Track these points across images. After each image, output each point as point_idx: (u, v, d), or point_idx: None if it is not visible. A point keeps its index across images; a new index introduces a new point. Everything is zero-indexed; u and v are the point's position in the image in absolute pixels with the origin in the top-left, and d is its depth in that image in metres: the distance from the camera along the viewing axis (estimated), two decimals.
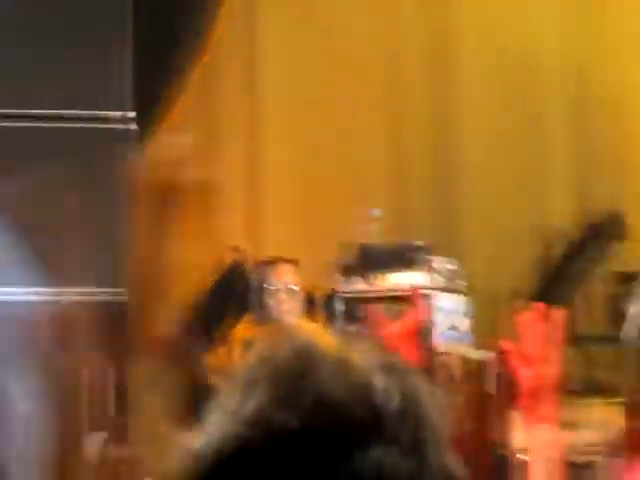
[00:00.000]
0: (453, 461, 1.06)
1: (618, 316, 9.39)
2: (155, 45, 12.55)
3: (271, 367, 1.17)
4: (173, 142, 11.57)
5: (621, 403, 8.49)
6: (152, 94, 12.21)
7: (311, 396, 1.14)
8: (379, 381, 1.14)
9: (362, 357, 1.18)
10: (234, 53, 13.01)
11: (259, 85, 12.94)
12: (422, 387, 1.17)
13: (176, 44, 12.65)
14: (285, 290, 9.01)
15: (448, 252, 10.75)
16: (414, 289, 9.38)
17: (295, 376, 1.17)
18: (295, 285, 9.03)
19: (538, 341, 9.32)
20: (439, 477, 1.14)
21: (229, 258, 10.46)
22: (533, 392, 9.51)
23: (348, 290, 9.97)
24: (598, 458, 8.83)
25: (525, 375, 10.07)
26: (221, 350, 9.46)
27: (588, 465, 8.56)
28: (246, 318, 9.34)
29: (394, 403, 1.13)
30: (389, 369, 1.15)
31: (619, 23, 12.82)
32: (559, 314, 9.47)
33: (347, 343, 1.19)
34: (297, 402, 1.14)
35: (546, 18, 12.78)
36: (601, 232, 10.70)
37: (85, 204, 10.48)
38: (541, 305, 9.41)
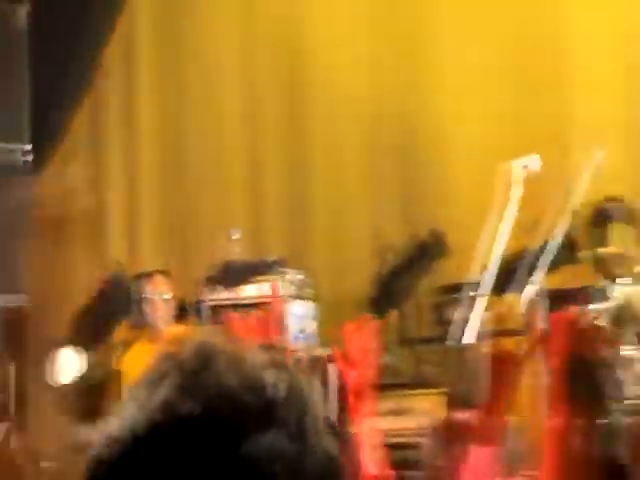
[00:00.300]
0: (331, 443, 1.24)
1: (443, 321, 10.33)
2: (49, 79, 13.34)
3: (176, 363, 1.33)
4: (64, 173, 12.43)
5: (443, 394, 10.01)
6: (46, 126, 12.79)
7: (211, 387, 1.32)
8: (269, 375, 1.31)
9: (254, 355, 1.35)
10: (116, 87, 13.82)
11: (135, 117, 13.94)
12: (303, 381, 1.37)
13: (68, 78, 13.27)
14: (159, 299, 9.73)
15: (299, 264, 11.54)
16: (272, 297, 10.68)
17: (197, 370, 1.33)
18: (168, 294, 9.80)
19: (359, 347, 10.61)
20: (320, 457, 1.33)
21: (111, 271, 11.15)
22: (357, 390, 10.92)
23: (213, 299, 10.78)
24: (423, 440, 9.93)
25: (350, 376, 11.55)
26: (105, 350, 10.33)
27: (414, 446, 9.69)
28: (125, 323, 10.30)
29: (282, 394, 1.32)
30: (277, 365, 1.32)
31: (438, 62, 13.66)
32: (376, 324, 10.89)
33: (240, 343, 1.36)
34: (199, 392, 1.31)
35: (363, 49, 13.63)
36: (425, 250, 11.50)
37: None
38: (365, 316, 10.68)
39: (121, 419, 1.29)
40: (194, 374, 1.31)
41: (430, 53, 14.22)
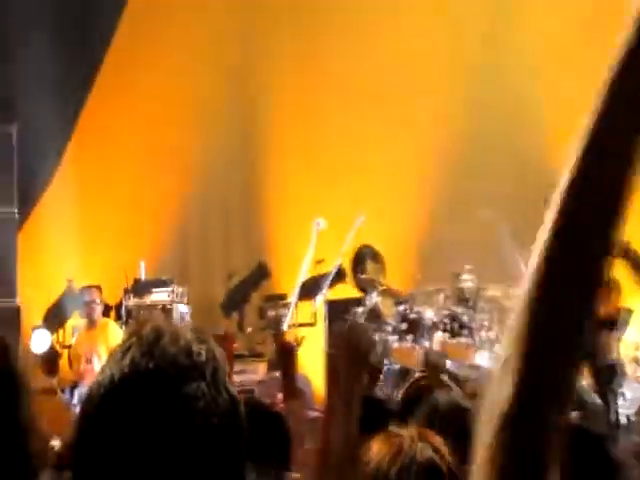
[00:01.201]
0: (232, 388, 1.80)
1: (267, 317, 13.42)
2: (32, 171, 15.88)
3: (139, 336, 1.88)
4: None
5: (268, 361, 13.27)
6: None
7: (160, 352, 1.84)
8: (196, 345, 1.85)
9: (186, 332, 1.91)
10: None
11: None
12: (216, 350, 1.90)
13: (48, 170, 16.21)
14: (93, 303, 13.29)
15: (184, 281, 14.53)
16: (169, 302, 13.97)
17: (152, 341, 1.86)
18: (98, 300, 13.40)
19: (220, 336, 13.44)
20: (226, 397, 1.88)
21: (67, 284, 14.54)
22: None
23: (131, 303, 13.98)
24: (256, 388, 12.62)
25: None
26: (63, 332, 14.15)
27: (251, 392, 12.02)
28: (75, 316, 14.29)
29: (204, 357, 1.86)
30: (200, 339, 1.84)
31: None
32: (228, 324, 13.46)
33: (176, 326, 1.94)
34: (153, 355, 1.83)
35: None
36: (257, 273, 15.34)
37: None
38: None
39: (104, 371, 1.87)
40: (150, 344, 1.87)
41: None
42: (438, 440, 3.15)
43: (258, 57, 16.94)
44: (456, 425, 4.60)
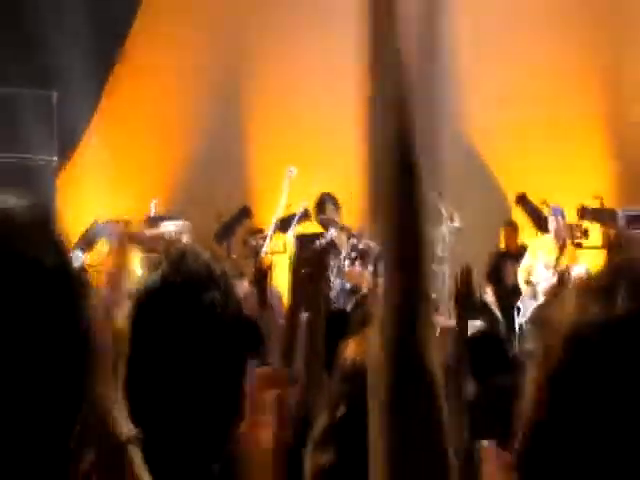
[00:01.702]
0: (238, 295, 2.07)
1: (251, 246, 14.25)
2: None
3: (167, 256, 2.21)
4: None
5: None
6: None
7: (185, 267, 2.18)
8: (211, 262, 2.18)
9: (203, 253, 2.21)
10: None
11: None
12: (225, 266, 2.25)
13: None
14: (115, 232, 12.54)
15: (187, 217, 14.23)
16: (176, 233, 12.96)
17: (178, 260, 2.19)
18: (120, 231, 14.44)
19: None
20: (235, 302, 2.24)
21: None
22: None
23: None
24: None
25: None
26: None
27: None
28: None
29: (218, 272, 2.18)
30: (214, 258, 2.15)
31: None
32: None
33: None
34: (180, 270, 2.16)
35: None
36: (243, 213, 15.83)
37: None
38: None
39: (142, 281, 2.21)
40: (177, 262, 2.20)
41: None
42: None
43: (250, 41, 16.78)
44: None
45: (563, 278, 11.53)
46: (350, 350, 3.11)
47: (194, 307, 2.09)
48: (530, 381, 1.30)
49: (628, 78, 16.01)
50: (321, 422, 3.16)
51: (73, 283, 1.20)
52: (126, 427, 1.73)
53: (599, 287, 1.25)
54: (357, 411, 2.71)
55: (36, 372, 1.15)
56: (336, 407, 3.05)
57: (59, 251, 1.21)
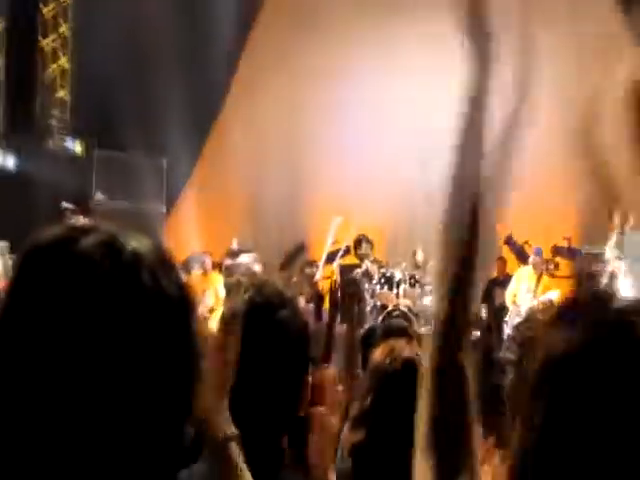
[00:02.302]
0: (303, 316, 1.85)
1: (306, 276, 13.89)
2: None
3: (254, 284, 2.18)
4: None
5: None
6: None
7: (264, 291, 2.19)
8: (285, 291, 2.15)
9: (278, 282, 2.24)
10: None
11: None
12: (292, 293, 2.44)
13: None
14: (205, 261, 14.13)
15: (258, 251, 14.70)
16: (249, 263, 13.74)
17: (260, 286, 2.20)
18: (209, 260, 14.12)
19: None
20: (299, 321, 2.20)
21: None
22: None
23: (227, 262, 13.95)
24: None
25: None
26: None
27: None
28: None
29: (287, 296, 2.21)
30: (284, 285, 2.63)
31: None
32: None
33: None
34: (261, 293, 2.16)
35: None
36: (299, 248, 16.25)
37: None
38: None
39: (231, 300, 2.23)
40: (259, 288, 2.23)
41: None
42: (415, 347, 3.22)
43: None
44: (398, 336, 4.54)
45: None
46: (377, 355, 3.15)
47: (272, 322, 2.19)
48: (510, 385, 1.46)
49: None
50: (354, 410, 3.25)
51: (189, 308, 1.22)
52: (227, 428, 1.82)
53: (562, 315, 1.25)
54: (381, 401, 3.01)
55: (160, 381, 1.16)
56: (365, 398, 3.10)
57: (178, 281, 1.21)
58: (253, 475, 1.81)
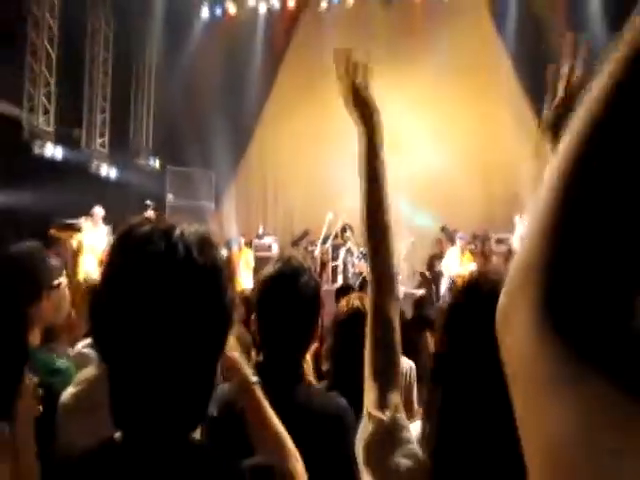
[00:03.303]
0: (318, 279, 1.56)
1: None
2: None
3: (281, 258, 2.03)
4: None
5: None
6: None
7: (290, 262, 1.99)
8: (303, 262, 1.93)
9: (298, 255, 1.86)
10: None
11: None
12: (308, 264, 1.95)
13: None
14: (239, 241, 13.96)
15: (277, 235, 15.62)
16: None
17: (286, 259, 2.02)
18: (243, 240, 14.02)
19: None
20: (315, 283, 1.97)
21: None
22: None
23: (256, 242, 14.71)
24: None
25: None
26: None
27: None
28: None
29: (305, 265, 1.95)
30: (304, 257, 1.78)
31: None
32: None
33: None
34: (288, 264, 2.00)
35: None
36: (305, 233, 15.46)
37: None
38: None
39: (265, 270, 2.03)
40: (285, 260, 2.08)
41: None
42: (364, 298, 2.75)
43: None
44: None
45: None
46: (339, 306, 2.94)
47: (295, 285, 2.02)
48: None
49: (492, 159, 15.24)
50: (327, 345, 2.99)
51: (218, 274, 1.13)
52: (251, 374, 1.63)
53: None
54: (336, 340, 2.85)
55: (205, 327, 1.10)
56: (330, 337, 2.92)
57: (212, 254, 1.13)
58: (274, 391, 1.65)
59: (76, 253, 10.01)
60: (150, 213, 11.20)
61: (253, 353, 3.21)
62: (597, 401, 0.45)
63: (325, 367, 3.00)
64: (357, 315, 2.71)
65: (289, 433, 1.55)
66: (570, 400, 0.46)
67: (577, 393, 0.46)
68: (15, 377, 0.73)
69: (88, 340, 2.94)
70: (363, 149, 1.47)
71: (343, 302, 2.94)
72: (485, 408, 1.11)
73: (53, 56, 13.10)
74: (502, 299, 0.54)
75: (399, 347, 1.38)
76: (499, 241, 13.72)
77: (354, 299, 2.93)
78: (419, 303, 6.89)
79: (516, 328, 0.51)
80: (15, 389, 0.74)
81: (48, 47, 13.11)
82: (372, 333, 1.40)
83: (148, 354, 1.07)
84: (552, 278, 0.49)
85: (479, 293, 1.22)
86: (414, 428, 1.31)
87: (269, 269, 2.05)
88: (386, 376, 1.36)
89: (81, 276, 8.90)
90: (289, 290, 2.02)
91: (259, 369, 1.84)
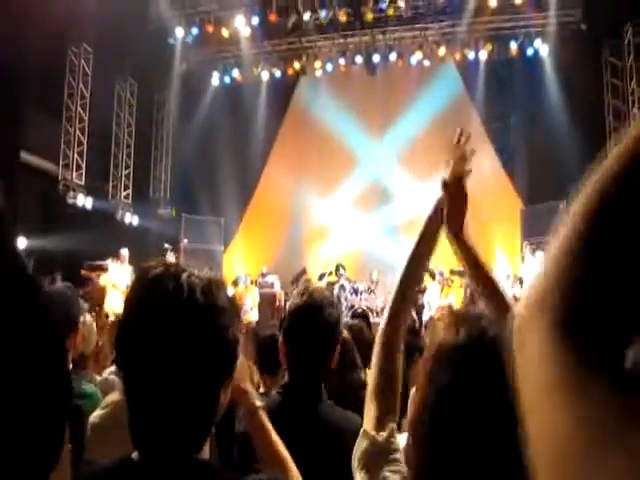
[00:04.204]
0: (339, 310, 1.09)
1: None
2: None
3: (299, 291, 1.85)
4: None
5: None
6: None
7: (311, 295, 1.86)
8: (327, 295, 1.82)
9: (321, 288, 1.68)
10: None
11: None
12: (330, 297, 1.77)
13: None
14: (245, 279, 13.66)
15: (279, 274, 15.04)
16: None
17: (306, 289, 1.88)
18: (249, 279, 13.90)
19: None
20: (337, 313, 1.82)
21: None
22: None
23: (259, 280, 14.31)
24: None
25: None
26: None
27: None
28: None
29: (330, 298, 1.87)
30: (327, 290, 1.69)
31: None
32: None
33: None
34: (311, 296, 1.85)
35: None
36: (303, 272, 15.26)
37: None
38: None
39: (293, 302, 1.90)
40: (305, 293, 1.91)
41: None
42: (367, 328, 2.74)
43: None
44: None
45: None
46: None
47: (321, 317, 1.94)
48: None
49: None
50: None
51: (217, 311, 1.08)
52: (257, 399, 1.56)
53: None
54: (342, 358, 2.38)
55: (206, 360, 1.08)
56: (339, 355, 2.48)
57: (218, 295, 1.10)
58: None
59: (103, 290, 10.03)
60: (171, 256, 11.42)
61: (256, 377, 3.16)
62: (603, 406, 0.45)
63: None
64: (344, 345, 2.56)
65: (313, 445, 1.55)
66: (579, 404, 0.47)
67: (586, 397, 0.47)
68: (63, 411, 0.71)
69: (113, 368, 2.97)
70: (436, 221, 1.44)
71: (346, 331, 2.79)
72: (469, 434, 1.03)
73: (85, 120, 13.49)
74: (517, 323, 0.54)
75: (400, 375, 1.36)
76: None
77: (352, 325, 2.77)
78: (409, 331, 6.61)
79: (532, 344, 0.51)
80: (63, 424, 0.72)
81: (81, 112, 13.55)
82: (378, 361, 1.36)
83: (156, 383, 1.06)
84: (571, 303, 0.50)
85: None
86: (402, 439, 1.27)
87: (296, 301, 1.98)
88: (386, 401, 1.33)
89: (107, 310, 8.75)
90: (315, 320, 1.96)
91: (286, 389, 1.87)
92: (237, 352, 1.16)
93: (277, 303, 13.48)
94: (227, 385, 1.16)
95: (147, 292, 1.10)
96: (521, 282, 11.76)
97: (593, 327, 0.48)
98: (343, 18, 13.91)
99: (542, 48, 14.10)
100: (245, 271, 15.17)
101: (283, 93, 16.22)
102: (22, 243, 9.70)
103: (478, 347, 1.01)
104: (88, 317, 2.55)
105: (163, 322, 1.06)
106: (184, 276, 1.11)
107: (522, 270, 12.16)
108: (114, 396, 2.22)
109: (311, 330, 1.94)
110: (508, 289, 10.70)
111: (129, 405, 1.09)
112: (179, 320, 1.06)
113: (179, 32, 14.58)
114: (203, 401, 1.10)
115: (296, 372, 1.96)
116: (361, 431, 1.33)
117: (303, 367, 1.95)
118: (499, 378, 0.77)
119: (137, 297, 1.11)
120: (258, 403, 1.57)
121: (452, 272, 13.77)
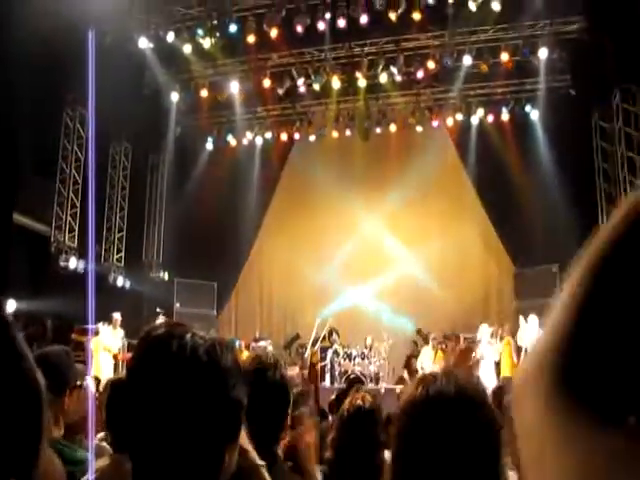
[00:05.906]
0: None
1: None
2: None
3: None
4: None
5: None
6: None
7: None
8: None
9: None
10: None
11: None
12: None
13: None
14: (240, 344, 13.36)
15: (272, 338, 14.87)
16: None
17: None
18: (244, 344, 13.43)
19: None
20: None
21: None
22: None
23: (253, 344, 13.87)
24: None
25: None
26: None
27: None
28: None
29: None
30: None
31: None
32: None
33: None
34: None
35: None
36: (296, 337, 14.86)
37: None
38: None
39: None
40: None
41: None
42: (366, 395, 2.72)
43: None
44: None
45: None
46: (348, 401, 2.71)
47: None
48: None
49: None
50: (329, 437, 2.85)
51: (236, 371, 1.11)
52: (256, 458, 1.57)
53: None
54: (340, 429, 2.65)
55: (208, 417, 1.08)
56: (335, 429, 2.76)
57: (219, 355, 1.10)
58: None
59: (93, 354, 10.02)
60: (162, 319, 11.21)
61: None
62: (609, 455, 0.46)
63: (327, 455, 2.88)
64: (359, 413, 2.58)
65: None
66: (583, 457, 0.47)
67: (589, 449, 0.47)
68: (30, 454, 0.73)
69: (101, 434, 2.94)
70: None
71: (347, 400, 2.78)
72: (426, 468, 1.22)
73: (79, 183, 13.56)
74: (517, 383, 0.56)
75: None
76: (466, 340, 13.62)
77: (358, 398, 2.75)
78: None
79: (532, 401, 0.53)
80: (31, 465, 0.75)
81: (75, 174, 13.65)
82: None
83: (157, 442, 1.06)
84: (570, 362, 0.51)
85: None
86: None
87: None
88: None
89: (96, 373, 8.78)
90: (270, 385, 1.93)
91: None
92: (242, 413, 1.15)
93: None
94: (233, 446, 1.14)
95: (151, 351, 1.11)
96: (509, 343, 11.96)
97: (592, 382, 0.49)
98: (337, 84, 14.34)
99: (533, 113, 14.55)
100: (238, 336, 15.16)
101: (277, 157, 16.38)
102: (11, 306, 9.72)
103: (429, 401, 1.20)
104: (90, 381, 2.53)
105: (166, 381, 1.07)
106: (188, 336, 1.13)
107: (517, 333, 12.21)
108: (102, 461, 2.24)
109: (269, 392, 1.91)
110: (495, 348, 11.20)
111: (133, 465, 1.09)
112: (182, 379, 1.07)
113: (174, 96, 14.88)
114: (205, 461, 1.09)
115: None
116: None
117: (262, 435, 1.87)
118: (447, 425, 1.10)
119: (141, 356, 1.13)
120: (259, 462, 1.60)
121: (446, 337, 13.90)
